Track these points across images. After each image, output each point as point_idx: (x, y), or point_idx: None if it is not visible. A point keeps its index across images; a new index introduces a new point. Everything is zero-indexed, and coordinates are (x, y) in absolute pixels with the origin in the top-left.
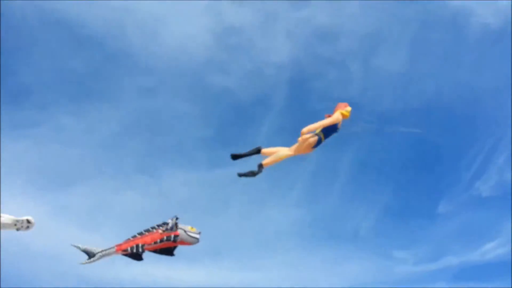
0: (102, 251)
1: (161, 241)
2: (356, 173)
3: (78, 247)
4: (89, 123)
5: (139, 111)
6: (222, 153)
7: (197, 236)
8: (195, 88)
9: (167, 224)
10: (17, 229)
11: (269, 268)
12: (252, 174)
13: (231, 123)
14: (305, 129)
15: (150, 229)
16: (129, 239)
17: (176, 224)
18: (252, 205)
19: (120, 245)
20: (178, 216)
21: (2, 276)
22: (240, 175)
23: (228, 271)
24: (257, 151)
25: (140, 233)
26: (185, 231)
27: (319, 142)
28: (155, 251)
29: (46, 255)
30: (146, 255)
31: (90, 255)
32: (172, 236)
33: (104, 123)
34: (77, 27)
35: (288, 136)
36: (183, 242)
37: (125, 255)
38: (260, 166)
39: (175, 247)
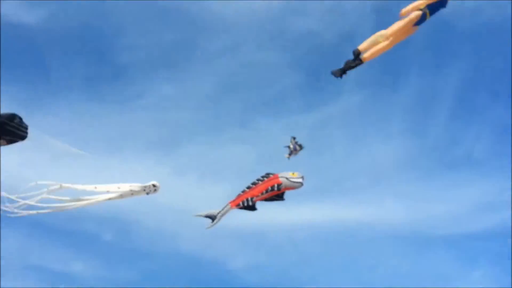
0: (220, 211)
1: (267, 191)
2: (462, 93)
3: (200, 215)
4: (187, 87)
5: (229, 69)
6: (316, 96)
7: (300, 180)
8: (277, 37)
9: (289, 147)
10: (147, 193)
11: (383, 201)
12: (350, 65)
13: (319, 65)
14: (404, 10)
15: (256, 181)
16: (239, 194)
17: (296, 143)
18: (354, 142)
19: (233, 201)
20: (294, 136)
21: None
22: (336, 72)
23: (343, 207)
24: (357, 56)
25: (248, 187)
26: (287, 178)
27: (423, 18)
28: (266, 199)
29: (173, 209)
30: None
31: (212, 218)
32: (276, 185)
33: (200, 86)
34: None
35: None
36: (288, 188)
37: (240, 208)
38: (357, 54)
39: (283, 193)
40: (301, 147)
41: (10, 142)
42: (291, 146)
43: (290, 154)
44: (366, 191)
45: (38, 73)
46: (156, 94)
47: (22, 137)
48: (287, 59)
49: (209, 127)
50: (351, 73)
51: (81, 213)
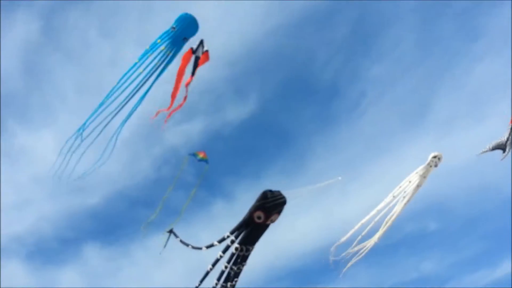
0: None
1: None
2: None
3: (485, 151)
4: None
5: None
6: None
7: None
8: None
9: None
10: (436, 166)
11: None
12: None
13: None
14: None
15: None
16: None
17: None
18: None
19: None
20: None
21: None
22: None
23: None
24: None
25: None
26: None
27: None
28: None
29: None
30: None
31: (502, 147)
32: None
33: None
34: None
35: None
36: None
37: None
38: None
39: None
40: None
41: (279, 212)
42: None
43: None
44: None
45: None
46: None
47: (283, 203)
48: None
49: None
50: None
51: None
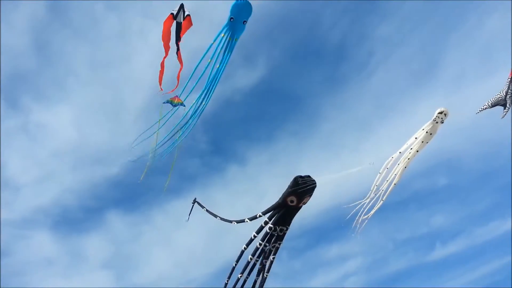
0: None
1: None
2: None
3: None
4: None
5: None
6: None
7: None
8: None
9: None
10: (442, 123)
11: None
12: None
13: None
14: None
15: None
16: None
17: None
18: None
19: None
20: None
21: None
22: None
23: None
24: None
25: None
26: None
27: None
28: None
29: None
30: None
31: (502, 104)
32: None
33: None
34: None
35: None
36: None
37: None
38: None
39: None
40: None
41: (310, 195)
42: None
43: None
44: None
45: None
46: None
47: (314, 187)
48: None
49: None
50: None
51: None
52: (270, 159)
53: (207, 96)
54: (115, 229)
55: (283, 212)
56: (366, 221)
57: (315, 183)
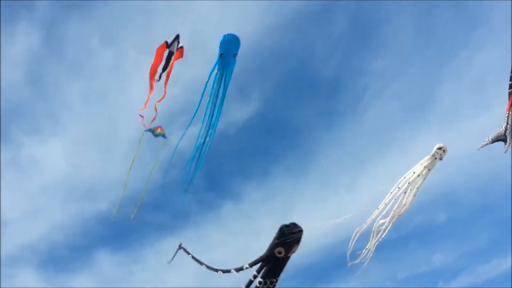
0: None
1: None
2: None
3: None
4: None
5: None
6: None
7: None
8: None
9: None
10: (440, 159)
11: None
12: None
13: None
14: None
15: None
16: None
17: None
18: None
19: None
20: None
21: None
22: None
23: None
24: None
25: None
26: None
27: None
28: None
29: None
30: None
31: (503, 139)
32: None
33: None
34: None
35: None
36: None
37: None
38: None
39: None
40: None
41: (298, 242)
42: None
43: None
44: None
45: None
46: None
47: (301, 236)
48: None
49: None
50: None
51: None
52: (266, 196)
53: (211, 131)
54: (104, 268)
55: (272, 265)
56: (368, 260)
57: (302, 230)
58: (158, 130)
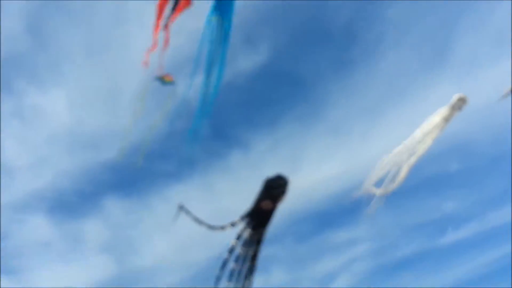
0: None
1: None
2: None
3: None
4: None
5: None
6: None
7: None
8: None
9: None
10: (460, 109)
11: None
12: None
13: None
14: None
15: None
16: None
17: None
18: None
19: None
20: None
21: None
22: None
23: None
24: None
25: None
26: None
27: None
28: None
29: None
30: None
31: None
32: None
33: None
34: None
35: None
36: None
37: None
38: None
39: None
40: None
41: (284, 192)
42: None
43: None
44: None
45: None
46: None
47: (287, 185)
48: None
49: None
50: None
51: None
52: (274, 145)
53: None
54: (113, 214)
55: (260, 216)
56: (376, 205)
57: (287, 180)
58: (167, 78)
